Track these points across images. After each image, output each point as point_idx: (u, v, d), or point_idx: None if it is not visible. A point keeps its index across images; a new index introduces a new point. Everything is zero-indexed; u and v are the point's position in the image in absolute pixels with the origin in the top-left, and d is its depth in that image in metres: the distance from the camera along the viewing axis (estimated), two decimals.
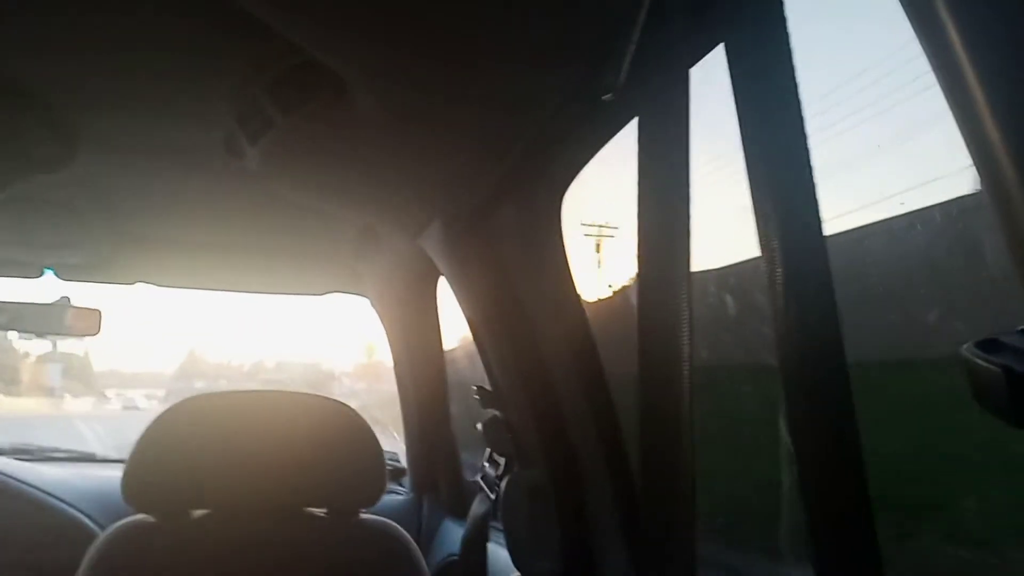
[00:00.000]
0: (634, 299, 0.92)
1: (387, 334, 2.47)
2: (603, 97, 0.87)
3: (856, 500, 0.74)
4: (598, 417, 1.48)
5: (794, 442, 0.77)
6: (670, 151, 0.88)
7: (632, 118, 1.07)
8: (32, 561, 1.97)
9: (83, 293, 2.23)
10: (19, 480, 2.35)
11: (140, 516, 1.51)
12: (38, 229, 1.94)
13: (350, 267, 2.29)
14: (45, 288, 2.18)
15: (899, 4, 0.57)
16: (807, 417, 0.76)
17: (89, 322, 2.20)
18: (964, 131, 0.54)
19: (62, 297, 2.09)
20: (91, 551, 1.46)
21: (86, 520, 2.26)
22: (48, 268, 2.16)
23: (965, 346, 0.53)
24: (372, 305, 2.47)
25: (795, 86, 0.76)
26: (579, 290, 1.48)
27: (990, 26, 0.51)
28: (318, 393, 1.66)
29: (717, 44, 0.86)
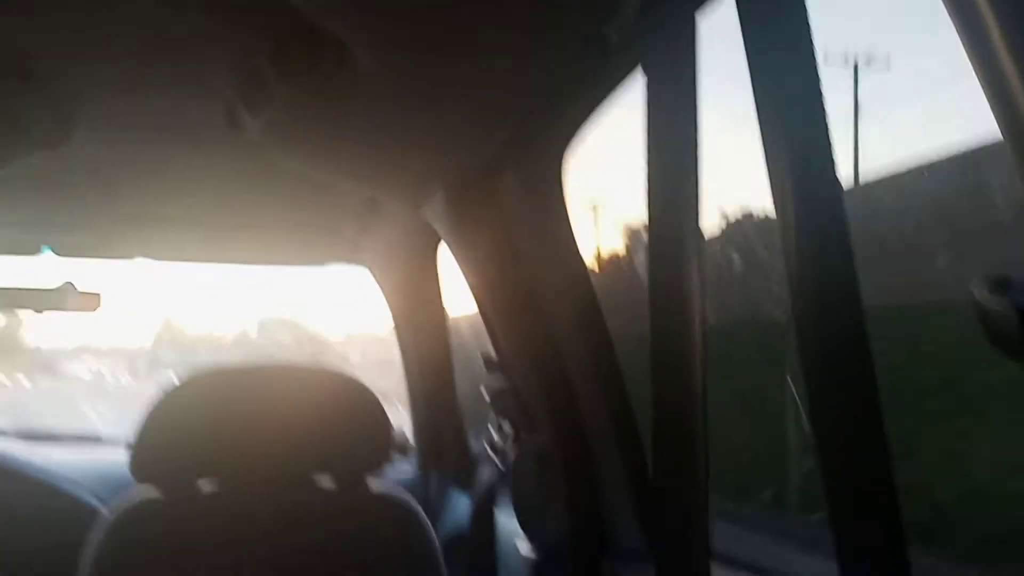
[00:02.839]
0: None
1: (389, 305, 2.46)
2: (609, 39, 0.85)
3: (875, 454, 0.74)
4: (605, 382, 1.48)
5: (809, 397, 0.77)
6: (678, 101, 0.87)
7: (635, 70, 1.05)
8: (39, 542, 1.97)
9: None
10: (24, 462, 2.36)
11: (147, 492, 1.51)
12: (37, 207, 1.92)
13: (351, 238, 2.28)
14: (43, 264, 2.18)
15: None
16: (823, 374, 0.75)
17: (88, 299, 2.20)
18: (984, 82, 0.53)
19: (66, 283, 2.08)
20: (99, 529, 1.46)
21: (91, 500, 2.27)
22: (46, 246, 2.15)
23: (974, 283, 0.51)
24: (373, 276, 2.45)
25: (808, 33, 0.74)
26: (583, 254, 1.47)
27: None
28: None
29: None
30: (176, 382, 1.53)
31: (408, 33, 1.00)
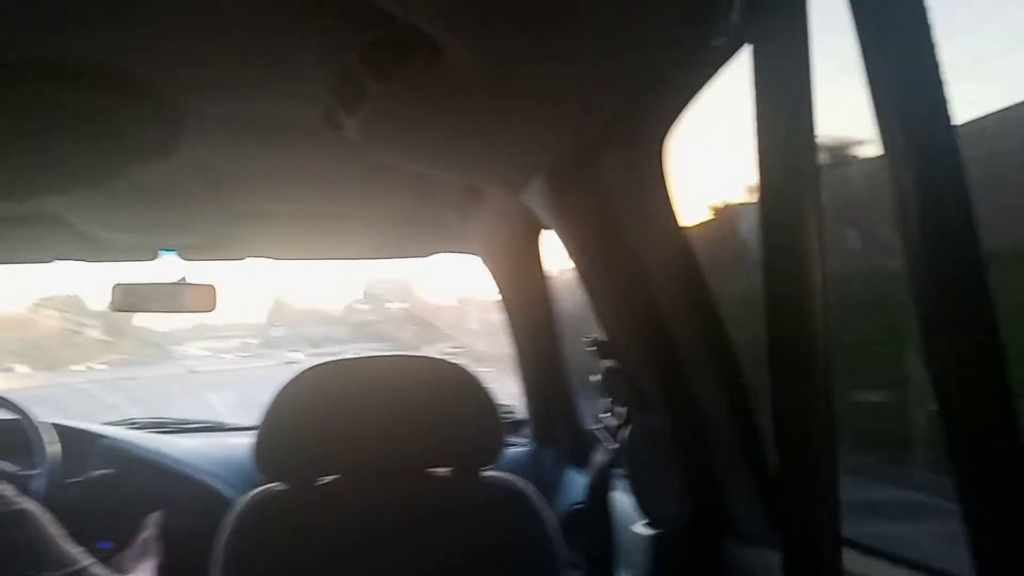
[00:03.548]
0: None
1: (499, 290, 2.47)
2: (714, 41, 0.82)
3: (999, 405, 0.70)
4: (716, 360, 1.46)
5: (927, 351, 0.73)
6: (789, 80, 0.83)
7: (741, 49, 1.02)
8: (173, 528, 2.06)
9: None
10: (158, 452, 2.48)
11: (272, 484, 1.57)
12: (152, 213, 1.99)
13: (456, 227, 2.29)
14: (156, 268, 2.25)
15: None
16: (942, 326, 0.71)
17: (205, 298, 2.27)
18: None
19: (181, 279, 2.16)
20: (228, 520, 1.52)
21: (221, 487, 2.37)
22: (164, 250, 2.22)
23: None
24: (483, 263, 2.46)
25: None
26: (687, 234, 1.45)
27: None
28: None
29: None
30: (293, 357, 1.57)
31: (504, 30, 0.98)
